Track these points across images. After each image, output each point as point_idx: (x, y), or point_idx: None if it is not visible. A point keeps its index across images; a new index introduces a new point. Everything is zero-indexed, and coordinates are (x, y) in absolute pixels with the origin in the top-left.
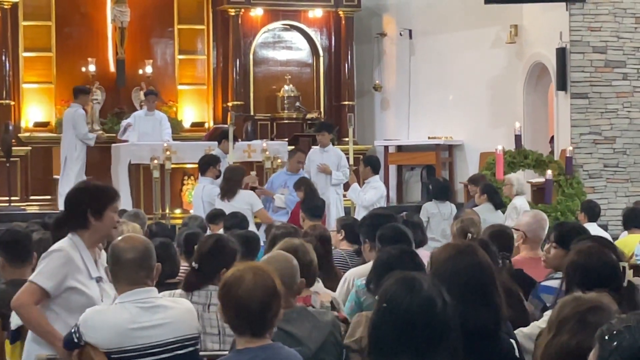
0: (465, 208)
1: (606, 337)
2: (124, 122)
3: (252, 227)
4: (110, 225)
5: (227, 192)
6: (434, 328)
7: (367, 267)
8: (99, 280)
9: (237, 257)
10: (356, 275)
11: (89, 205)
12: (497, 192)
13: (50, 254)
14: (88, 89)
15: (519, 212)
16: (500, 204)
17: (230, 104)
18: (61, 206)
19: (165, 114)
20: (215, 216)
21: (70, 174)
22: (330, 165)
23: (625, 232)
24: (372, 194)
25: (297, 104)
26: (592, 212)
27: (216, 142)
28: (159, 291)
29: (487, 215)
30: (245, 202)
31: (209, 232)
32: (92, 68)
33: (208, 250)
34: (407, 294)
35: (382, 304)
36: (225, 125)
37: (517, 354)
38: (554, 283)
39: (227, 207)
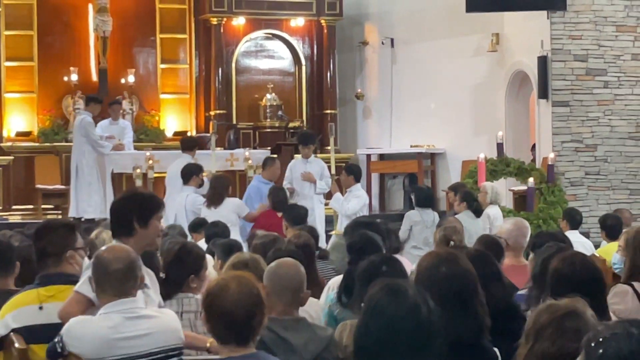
0: (447, 216)
1: (592, 344)
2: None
3: (236, 235)
4: (155, 233)
5: (213, 200)
6: (419, 335)
7: None
8: (142, 287)
9: (204, 263)
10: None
11: (135, 213)
12: (476, 200)
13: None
14: (101, 99)
15: (492, 221)
16: (479, 211)
17: (212, 112)
18: (72, 214)
19: (130, 123)
20: (198, 225)
21: (83, 183)
22: (314, 175)
23: (605, 242)
24: (354, 203)
25: (280, 112)
26: (574, 219)
27: (199, 151)
28: None
29: (467, 223)
30: (231, 209)
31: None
32: (74, 77)
33: (173, 259)
34: (393, 300)
35: (368, 311)
36: (208, 134)
37: None
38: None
39: (214, 214)
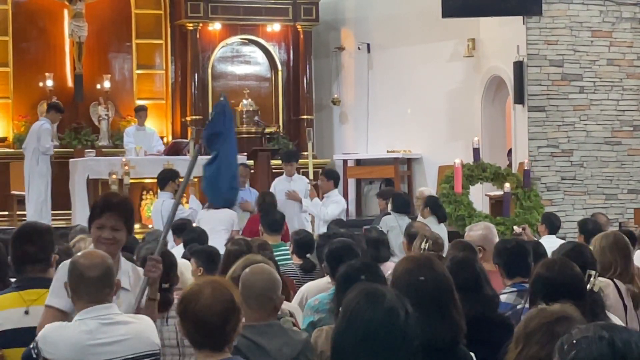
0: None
1: (565, 347)
2: (131, 140)
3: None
4: (93, 239)
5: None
6: (396, 339)
7: (321, 282)
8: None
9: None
10: (311, 292)
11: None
12: (440, 206)
13: (57, 271)
14: (63, 108)
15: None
16: (444, 217)
17: (189, 118)
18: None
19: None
20: (180, 229)
21: (34, 189)
22: (298, 193)
23: None
24: (333, 208)
25: (256, 118)
26: (553, 225)
27: (175, 157)
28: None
29: (433, 229)
30: (230, 217)
31: (174, 245)
32: (49, 83)
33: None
34: (370, 305)
35: (346, 315)
36: (186, 140)
37: None
38: (503, 297)
39: (212, 215)
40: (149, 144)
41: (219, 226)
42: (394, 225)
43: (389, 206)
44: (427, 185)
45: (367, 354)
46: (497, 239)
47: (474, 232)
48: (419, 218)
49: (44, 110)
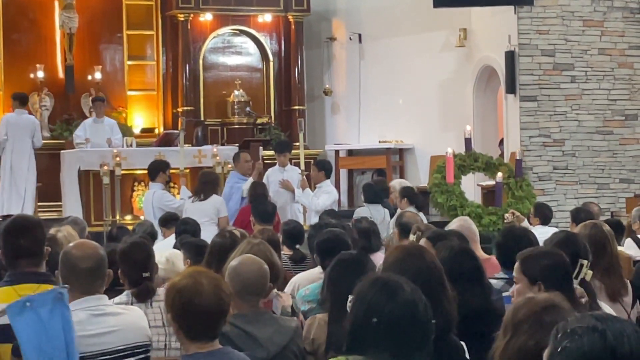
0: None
1: (558, 336)
2: (79, 135)
3: (213, 232)
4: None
5: (200, 193)
6: (417, 331)
7: (312, 273)
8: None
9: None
10: (302, 282)
11: None
12: (416, 195)
13: None
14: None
15: None
16: (421, 206)
17: (180, 109)
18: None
19: (115, 120)
20: (168, 220)
21: (21, 184)
22: (291, 183)
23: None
24: (325, 199)
25: (248, 109)
26: (545, 216)
27: (166, 147)
28: (109, 297)
29: None
30: (214, 206)
31: (160, 237)
32: (40, 74)
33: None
34: (389, 297)
35: (362, 306)
36: (177, 131)
37: (467, 355)
38: (492, 282)
39: (198, 207)
40: (102, 139)
41: (202, 218)
42: (367, 217)
43: (362, 197)
44: (419, 176)
45: (390, 346)
46: (474, 227)
47: (452, 225)
48: (398, 211)
49: (35, 102)
